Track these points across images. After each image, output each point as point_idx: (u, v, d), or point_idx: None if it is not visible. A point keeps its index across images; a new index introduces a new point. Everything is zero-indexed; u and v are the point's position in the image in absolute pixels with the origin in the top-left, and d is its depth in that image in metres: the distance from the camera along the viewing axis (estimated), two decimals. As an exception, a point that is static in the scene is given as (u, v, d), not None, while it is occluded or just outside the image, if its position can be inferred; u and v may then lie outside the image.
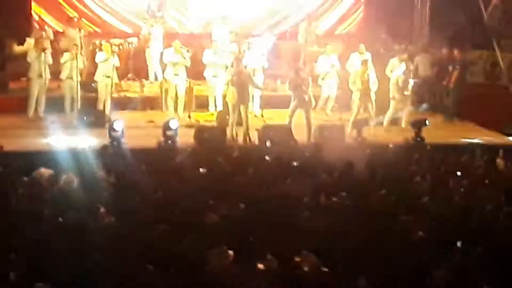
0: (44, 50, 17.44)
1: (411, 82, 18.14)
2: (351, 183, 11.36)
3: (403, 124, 17.89)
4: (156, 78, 19.65)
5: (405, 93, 17.91)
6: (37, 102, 17.54)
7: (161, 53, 19.01)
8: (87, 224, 9.00)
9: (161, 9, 20.56)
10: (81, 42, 19.09)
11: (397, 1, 21.83)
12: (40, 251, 8.14)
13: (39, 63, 17.36)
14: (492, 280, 7.81)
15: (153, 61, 19.79)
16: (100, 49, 18.19)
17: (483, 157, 14.14)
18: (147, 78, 19.83)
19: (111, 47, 18.19)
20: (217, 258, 7.95)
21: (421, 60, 20.20)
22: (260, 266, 7.98)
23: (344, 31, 23.32)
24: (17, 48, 18.27)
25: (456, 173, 12.50)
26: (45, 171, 11.68)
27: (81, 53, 18.27)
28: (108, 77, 17.65)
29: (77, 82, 17.59)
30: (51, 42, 18.97)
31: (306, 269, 7.87)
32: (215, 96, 18.41)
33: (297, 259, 8.02)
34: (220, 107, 18.05)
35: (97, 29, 21.34)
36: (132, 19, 21.63)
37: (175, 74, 18.05)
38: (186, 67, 18.15)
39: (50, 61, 17.61)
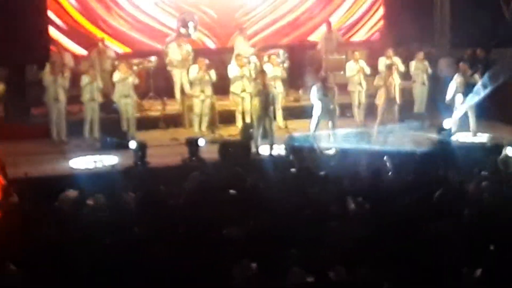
0: (60, 74, 17.44)
1: None
2: (379, 190, 11.22)
3: (473, 131, 17.66)
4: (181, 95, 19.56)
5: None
6: (58, 126, 17.52)
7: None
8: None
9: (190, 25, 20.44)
10: (100, 63, 19.16)
11: (416, 3, 21.61)
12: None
13: (55, 87, 17.36)
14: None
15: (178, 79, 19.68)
16: (117, 69, 18.11)
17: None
18: (168, 96, 19.71)
19: (131, 66, 18.19)
20: (240, 271, 7.88)
21: (445, 62, 20.09)
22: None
23: (365, 38, 23.21)
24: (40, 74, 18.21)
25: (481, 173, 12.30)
26: (71, 193, 11.62)
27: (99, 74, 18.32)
28: (127, 96, 17.66)
29: (97, 104, 17.61)
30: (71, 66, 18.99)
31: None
32: (242, 111, 18.32)
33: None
34: (247, 121, 17.95)
35: (127, 49, 21.25)
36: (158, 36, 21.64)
37: (201, 91, 17.98)
38: (211, 83, 18.08)
39: (66, 85, 17.58)
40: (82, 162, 15.86)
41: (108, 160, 15.90)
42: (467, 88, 17.55)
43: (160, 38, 21.02)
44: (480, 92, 17.35)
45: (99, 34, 20.10)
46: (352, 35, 22.93)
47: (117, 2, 21.40)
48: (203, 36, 21.91)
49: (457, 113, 17.52)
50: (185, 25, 20.21)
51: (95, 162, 15.85)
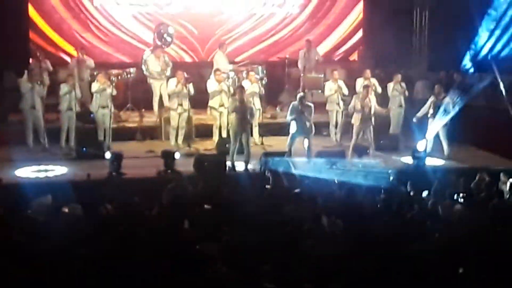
0: (38, 81, 17.41)
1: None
2: (352, 209, 11.26)
3: (446, 155, 17.80)
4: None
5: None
6: (37, 133, 17.46)
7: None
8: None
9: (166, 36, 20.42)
10: (79, 72, 19.18)
11: (395, 26, 21.79)
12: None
13: (32, 95, 17.29)
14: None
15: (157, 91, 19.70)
16: (96, 80, 18.08)
17: (485, 181, 14.00)
18: (146, 108, 19.71)
19: (109, 77, 18.19)
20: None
21: (421, 84, 20.28)
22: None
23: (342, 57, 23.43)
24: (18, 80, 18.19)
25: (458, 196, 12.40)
26: (46, 199, 11.60)
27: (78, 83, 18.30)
28: (104, 107, 17.65)
29: (75, 113, 17.59)
30: (50, 74, 19.01)
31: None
32: (219, 126, 18.33)
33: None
34: (224, 136, 17.97)
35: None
36: (133, 50, 21.66)
37: (179, 104, 17.99)
38: (189, 96, 18.06)
39: (43, 93, 17.56)
40: (28, 171, 15.76)
41: (58, 170, 15.90)
42: (439, 110, 17.73)
43: (134, 53, 21.17)
44: (446, 114, 17.52)
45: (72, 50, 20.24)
46: (339, 58, 23.21)
47: (93, 16, 21.53)
48: (180, 50, 22.00)
49: (429, 134, 17.65)
50: (160, 36, 20.25)
51: (41, 171, 15.80)
